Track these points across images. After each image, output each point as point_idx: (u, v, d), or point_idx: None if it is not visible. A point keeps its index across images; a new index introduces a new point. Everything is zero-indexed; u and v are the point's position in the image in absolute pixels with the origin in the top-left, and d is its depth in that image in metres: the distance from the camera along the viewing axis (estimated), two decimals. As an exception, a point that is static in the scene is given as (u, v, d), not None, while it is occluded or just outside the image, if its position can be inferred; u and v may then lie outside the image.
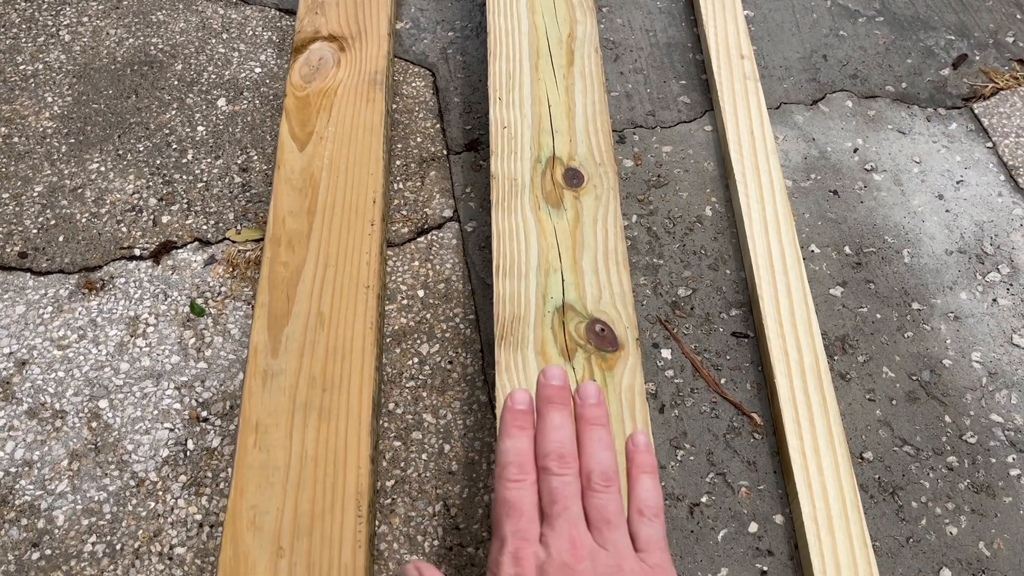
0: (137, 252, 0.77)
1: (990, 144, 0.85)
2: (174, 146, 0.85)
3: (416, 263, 0.77)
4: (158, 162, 0.84)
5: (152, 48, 0.93)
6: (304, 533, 0.59)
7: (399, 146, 0.86)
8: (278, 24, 0.96)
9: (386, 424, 0.68)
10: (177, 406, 0.69)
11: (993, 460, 0.66)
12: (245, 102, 0.89)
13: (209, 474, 0.66)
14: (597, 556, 0.44)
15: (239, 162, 0.84)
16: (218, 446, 0.67)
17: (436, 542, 0.63)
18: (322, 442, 0.63)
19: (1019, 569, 0.61)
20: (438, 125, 0.88)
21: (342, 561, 0.58)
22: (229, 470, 0.66)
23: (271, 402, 0.64)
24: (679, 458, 0.67)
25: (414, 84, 0.91)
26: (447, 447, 0.67)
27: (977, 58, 0.92)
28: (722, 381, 0.71)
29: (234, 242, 0.79)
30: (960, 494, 0.65)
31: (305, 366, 0.66)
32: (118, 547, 0.62)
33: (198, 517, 0.64)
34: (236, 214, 0.81)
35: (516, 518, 0.45)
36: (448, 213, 0.81)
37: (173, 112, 0.88)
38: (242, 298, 0.75)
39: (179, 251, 0.78)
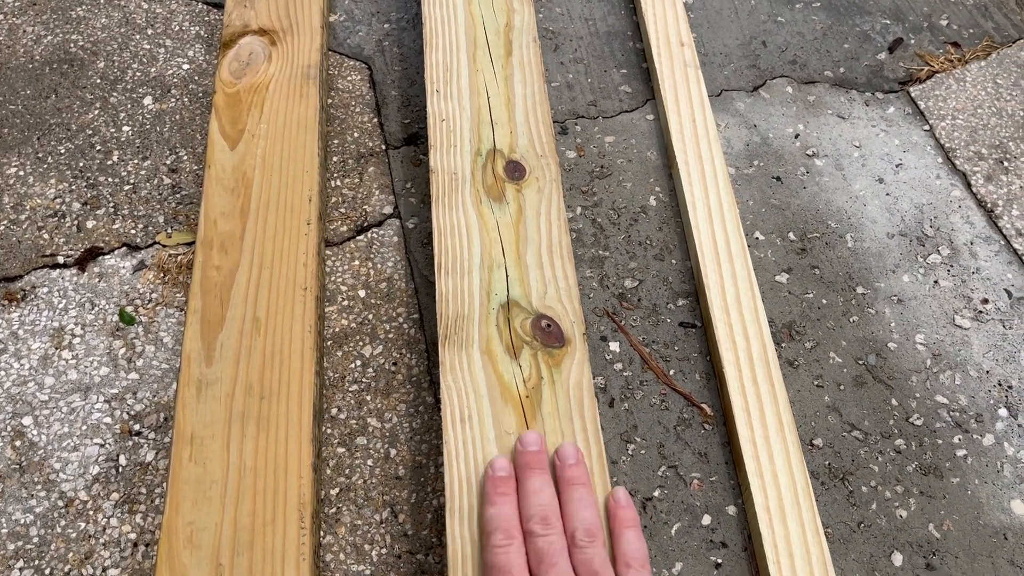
0: (60, 260, 0.74)
1: (927, 127, 0.85)
2: (98, 147, 0.81)
3: (356, 262, 0.75)
4: (81, 165, 0.80)
5: (72, 45, 0.89)
6: (244, 548, 0.56)
7: (335, 142, 0.83)
8: (206, 18, 0.93)
9: (329, 430, 0.66)
10: (107, 420, 0.66)
11: (939, 441, 0.67)
12: (173, 100, 0.86)
13: (143, 490, 0.63)
14: None
15: (168, 163, 0.81)
16: (152, 460, 0.64)
17: (384, 550, 0.61)
18: (261, 452, 0.60)
19: (968, 549, 0.62)
20: (376, 119, 0.85)
21: (285, 575, 0.55)
22: (164, 485, 0.63)
23: (206, 413, 0.62)
24: (630, 452, 0.66)
25: (350, 78, 0.89)
26: (393, 451, 0.65)
27: (912, 42, 0.93)
28: (671, 372, 0.70)
29: (165, 246, 0.75)
30: (908, 477, 0.65)
31: (241, 374, 0.64)
32: (47, 572, 0.59)
33: (132, 536, 0.61)
34: (166, 217, 0.77)
35: None
36: (388, 209, 0.78)
37: (96, 112, 0.84)
38: (175, 304, 0.72)
39: (106, 257, 0.74)
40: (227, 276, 0.68)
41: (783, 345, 0.71)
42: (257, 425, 0.61)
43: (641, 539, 0.52)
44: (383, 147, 0.83)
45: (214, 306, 0.67)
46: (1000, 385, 0.69)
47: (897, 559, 0.62)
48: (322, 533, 0.62)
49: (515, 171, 0.69)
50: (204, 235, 0.70)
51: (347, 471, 0.64)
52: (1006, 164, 0.82)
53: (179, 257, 0.75)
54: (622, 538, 0.51)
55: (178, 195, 0.79)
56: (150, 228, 0.76)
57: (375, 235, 0.77)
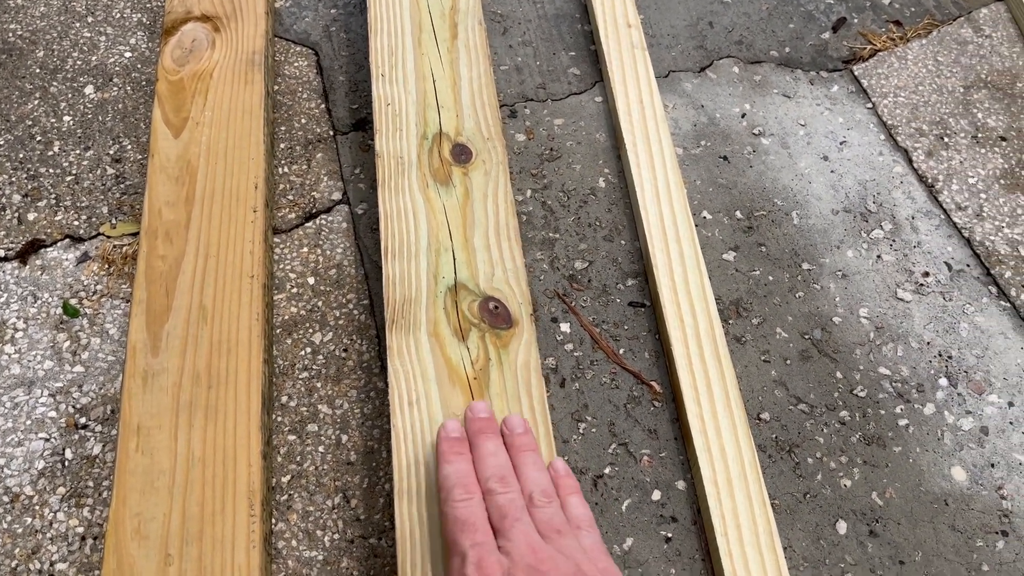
0: (1, 253, 0.72)
1: (870, 105, 0.87)
2: (38, 138, 0.80)
3: (305, 249, 0.75)
4: (21, 156, 0.78)
5: (10, 35, 0.87)
6: (194, 538, 0.56)
7: (283, 128, 0.82)
8: (148, 5, 0.91)
9: (280, 418, 0.66)
10: (52, 414, 0.65)
11: (882, 412, 0.68)
12: (115, 89, 0.84)
13: (91, 483, 0.62)
14: (557, 558, 0.47)
15: (111, 153, 0.80)
16: (99, 453, 0.63)
17: (336, 535, 0.61)
18: (209, 441, 0.60)
19: (910, 516, 0.63)
20: (323, 105, 0.85)
21: (235, 563, 0.55)
22: (112, 478, 0.62)
23: (153, 403, 0.61)
24: (581, 431, 0.67)
25: (296, 64, 0.88)
26: (345, 437, 0.65)
27: (856, 21, 0.94)
28: (621, 351, 0.70)
29: (109, 237, 0.74)
30: (852, 447, 0.66)
31: (188, 363, 0.63)
32: (-7, 568, 0.58)
33: (80, 530, 0.60)
34: (110, 208, 0.76)
35: (472, 532, 0.48)
36: (337, 196, 0.78)
37: (36, 102, 0.83)
38: (120, 295, 0.71)
39: (48, 250, 0.73)
40: (172, 265, 0.68)
41: (731, 322, 0.72)
42: (205, 414, 0.61)
43: (584, 503, 0.53)
44: (331, 133, 0.82)
45: (159, 296, 0.66)
46: (940, 356, 0.71)
47: (841, 527, 0.63)
48: (274, 521, 0.61)
49: (461, 154, 0.69)
50: (148, 225, 0.70)
51: (298, 458, 0.64)
52: (946, 140, 0.84)
53: (124, 248, 0.74)
54: (567, 503, 0.53)
55: (122, 185, 0.77)
56: (94, 219, 0.75)
57: (324, 221, 0.76)
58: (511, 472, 0.52)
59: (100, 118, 0.82)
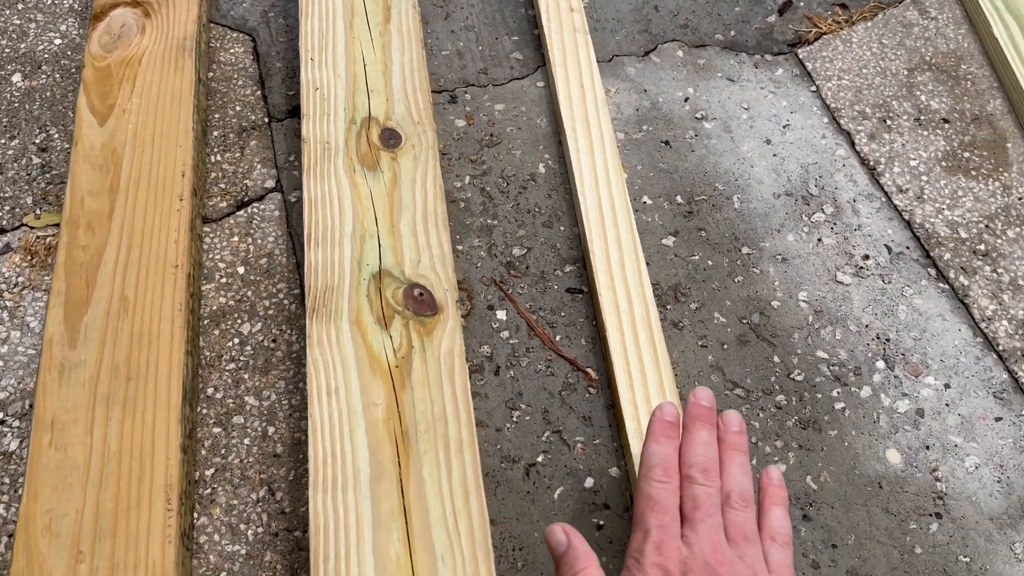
0: (-80, 245, 0.70)
1: (814, 88, 0.86)
2: (-38, 127, 0.78)
3: (236, 238, 0.73)
4: (-57, 146, 0.76)
5: (-65, 21, 0.85)
6: (107, 534, 0.54)
7: (216, 116, 0.81)
8: (80, -9, 0.89)
9: (204, 410, 0.64)
10: (-31, 410, 0.63)
11: (819, 396, 0.68)
12: (44, 76, 0.82)
13: (7, 480, 0.60)
14: (736, 564, 0.47)
15: (37, 141, 0.78)
16: (16, 449, 0.62)
17: (260, 529, 0.60)
18: (127, 435, 0.58)
19: (844, 499, 0.63)
20: (259, 92, 0.83)
21: (150, 559, 0.54)
22: (28, 474, 0.60)
23: (69, 397, 0.59)
24: (515, 419, 0.65)
25: (232, 50, 0.86)
26: (271, 429, 0.64)
27: (802, 4, 0.93)
28: (557, 338, 0.69)
29: (32, 228, 0.72)
30: (788, 431, 0.66)
31: (107, 356, 0.61)
32: (-99, 569, 0.56)
33: (-6, 528, 0.58)
34: (35, 198, 0.74)
35: (661, 513, 0.48)
36: (270, 184, 0.76)
37: (-39, 90, 0.80)
38: (42, 288, 0.69)
39: (-31, 241, 0.71)
40: (94, 256, 0.66)
41: (669, 307, 0.72)
42: (123, 407, 0.59)
43: (787, 518, 0.52)
44: (266, 120, 0.81)
45: (79, 287, 0.64)
46: (879, 338, 0.70)
47: (776, 513, 0.62)
48: (196, 515, 0.60)
49: (391, 139, 0.68)
50: (70, 214, 0.68)
51: (223, 451, 0.63)
52: (888, 123, 0.83)
53: (48, 239, 0.72)
54: (771, 512, 0.52)
55: (48, 175, 0.76)
56: (17, 210, 0.73)
57: (256, 210, 0.75)
58: (716, 467, 0.52)
59: (27, 107, 0.80)
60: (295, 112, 0.81)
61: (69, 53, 0.84)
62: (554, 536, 0.50)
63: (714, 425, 0.54)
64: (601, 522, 0.62)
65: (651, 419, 0.54)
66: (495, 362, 0.68)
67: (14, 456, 0.62)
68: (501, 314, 0.70)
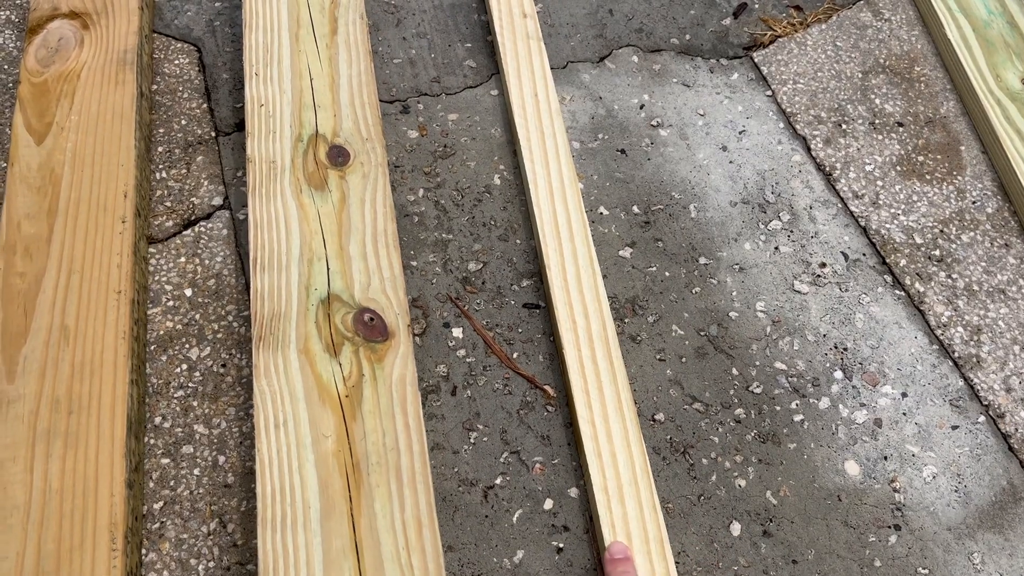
0: None
1: (769, 92, 0.86)
2: None
3: (183, 259, 0.71)
4: None
5: None
6: (49, 577, 0.53)
7: (161, 130, 0.78)
8: (16, 1, 0.86)
9: (152, 441, 0.62)
10: (-97, 447, 0.60)
11: (778, 408, 0.67)
12: (-21, 92, 0.79)
13: (-56, 521, 0.58)
14: None
15: (-27, 161, 0.75)
16: (-46, 487, 0.59)
17: (212, 563, 0.58)
18: (69, 472, 0.56)
19: (804, 514, 0.63)
20: (205, 105, 0.81)
21: (95, 602, 0.52)
22: (-33, 514, 0.58)
23: (6, 433, 0.57)
24: (472, 441, 0.64)
25: (177, 61, 0.84)
26: (222, 458, 0.62)
27: (756, 6, 0.93)
28: (515, 355, 0.68)
29: (-31, 253, 0.70)
30: (748, 445, 0.65)
31: (47, 388, 0.59)
32: None
33: (-69, 572, 0.56)
34: (-29, 220, 0.71)
35: None
36: (218, 201, 0.74)
37: None
38: (-20, 316, 0.67)
39: (-99, 268, 0.68)
40: (32, 283, 0.64)
41: (626, 321, 0.71)
42: (64, 442, 0.57)
43: None
44: (213, 134, 0.79)
45: (16, 316, 0.62)
46: (836, 348, 0.70)
47: (735, 528, 0.62)
48: (144, 551, 0.58)
49: (339, 156, 0.66)
50: (6, 240, 0.65)
51: (172, 483, 0.61)
52: (844, 127, 0.83)
53: (-15, 264, 0.69)
54: None
55: (-16, 196, 0.73)
56: (-48, 234, 0.70)
57: (203, 229, 0.73)
58: None
59: (-39, 124, 0.77)
60: (243, 125, 0.79)
61: (5, 67, 0.81)
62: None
63: (633, 570, 0.56)
64: (561, 545, 0.61)
65: (604, 562, 0.56)
66: (451, 382, 0.67)
67: (-48, 495, 0.59)
68: (457, 331, 0.69)
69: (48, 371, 0.60)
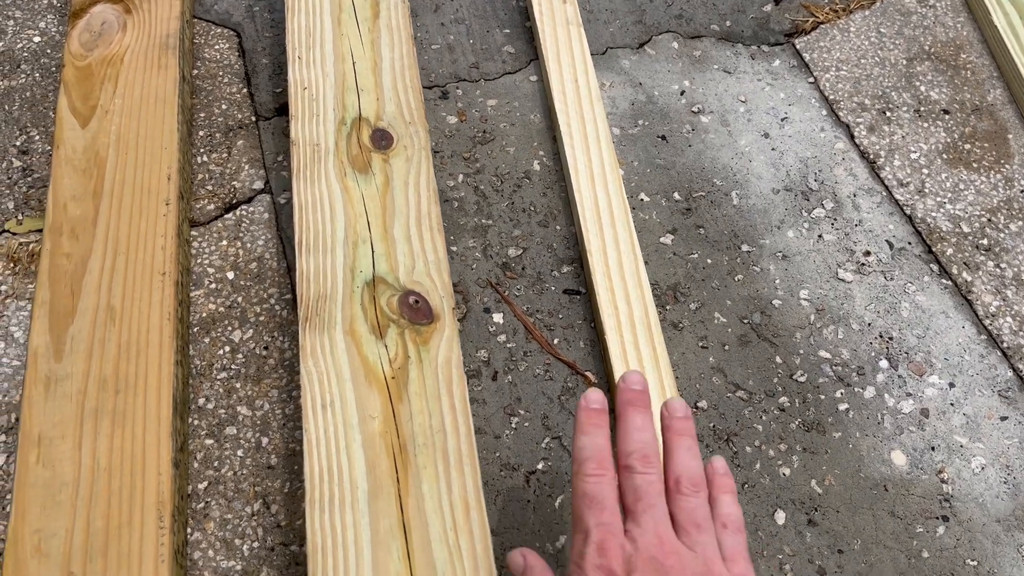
0: (-102, 254, 0.68)
1: (812, 79, 0.85)
2: (-61, 130, 0.75)
3: (224, 242, 0.71)
4: (-80, 149, 0.74)
5: (-92, 19, 0.82)
6: (98, 553, 0.53)
7: (202, 115, 0.78)
8: (58, -14, 0.86)
9: (196, 422, 0.63)
10: (-47, 425, 0.61)
11: (822, 397, 0.66)
12: (23, 76, 0.80)
13: (-7, 497, 0.59)
14: (684, 556, 0.43)
15: (18, 144, 0.75)
16: (3, 464, 0.60)
17: (256, 543, 0.58)
18: (116, 450, 0.57)
19: (850, 503, 0.62)
20: (245, 90, 0.81)
21: (143, 579, 0.52)
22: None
23: (56, 411, 0.58)
24: (513, 425, 0.64)
25: (217, 47, 0.84)
26: (265, 440, 0.62)
27: (798, -7, 0.92)
28: (555, 341, 0.68)
29: (15, 234, 0.70)
30: (792, 434, 0.65)
31: (95, 368, 0.60)
32: None
33: (-19, 547, 0.57)
34: (16, 202, 0.72)
35: (599, 511, 0.45)
36: (259, 185, 0.74)
37: (-63, 91, 0.78)
38: (26, 296, 0.67)
39: (-51, 249, 0.69)
40: (78, 264, 0.64)
41: (668, 307, 0.70)
42: (112, 421, 0.58)
43: (737, 505, 0.48)
44: (253, 119, 0.79)
45: (64, 296, 0.62)
46: (881, 337, 0.69)
47: (780, 517, 0.61)
48: (189, 530, 0.59)
49: (382, 140, 0.66)
50: (53, 221, 0.66)
51: (216, 463, 0.61)
52: (888, 114, 0.82)
53: (31, 245, 0.70)
54: (720, 500, 0.48)
55: (29, 179, 0.73)
56: (-1, 215, 0.71)
57: (244, 212, 0.73)
58: (656, 452, 0.47)
59: (6, 107, 0.77)
60: (283, 110, 0.79)
61: (49, 51, 0.82)
62: (513, 561, 0.47)
63: (648, 408, 0.49)
64: (603, 530, 0.60)
65: (577, 410, 0.49)
66: (492, 367, 0.67)
67: (0, 472, 0.60)
68: (498, 317, 0.69)
69: (95, 351, 0.60)
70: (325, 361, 0.55)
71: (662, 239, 0.74)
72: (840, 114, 0.82)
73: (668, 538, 0.44)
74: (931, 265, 0.73)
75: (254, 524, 0.59)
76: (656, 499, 0.45)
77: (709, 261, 0.73)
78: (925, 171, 0.78)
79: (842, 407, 0.66)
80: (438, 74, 0.83)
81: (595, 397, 0.49)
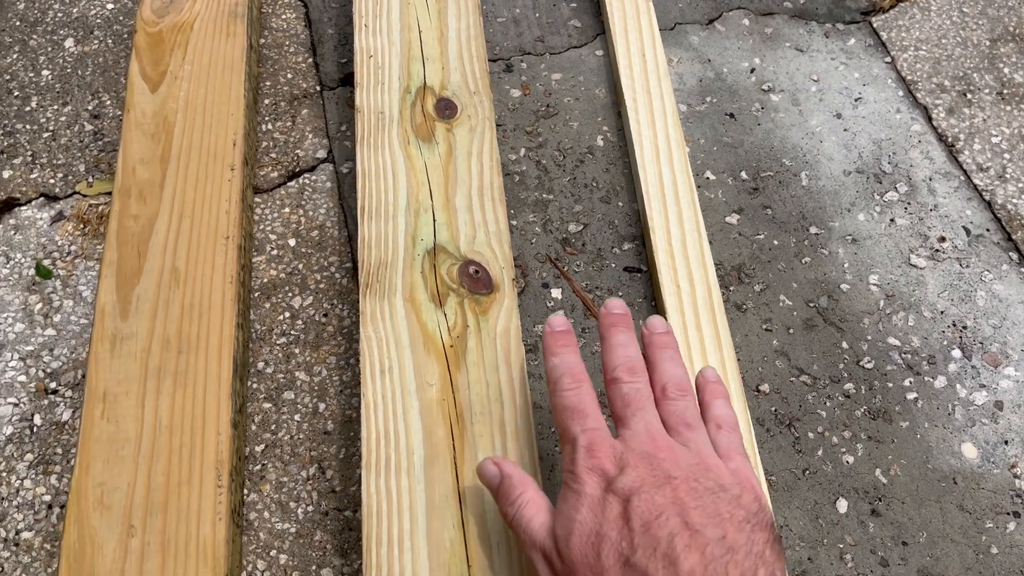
0: (-26, 212, 0.70)
1: (888, 59, 0.82)
2: (16, 93, 0.77)
3: (287, 209, 0.72)
4: (-3, 112, 0.76)
5: (-11, -15, 0.84)
6: (158, 509, 0.54)
7: (268, 83, 0.79)
8: (132, -45, 0.87)
9: (255, 385, 0.63)
10: (22, 378, 0.63)
11: (890, 384, 0.64)
12: (96, 42, 0.81)
13: (59, 451, 0.60)
14: (677, 450, 0.43)
15: (90, 108, 0.77)
16: (69, 420, 0.61)
17: (310, 507, 0.59)
18: (178, 409, 0.57)
19: (916, 495, 0.60)
20: (311, 59, 0.81)
21: (201, 536, 0.53)
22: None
23: (120, 369, 0.59)
24: (570, 402, 0.63)
25: (284, 16, 0.84)
26: (322, 406, 0.62)
27: (876, -30, 0.88)
28: (614, 319, 0.67)
29: (85, 196, 0.72)
30: (857, 421, 0.63)
31: (158, 327, 0.61)
32: (-43, 536, 0.56)
33: (47, 498, 0.58)
34: (87, 165, 0.73)
35: (581, 418, 0.44)
36: (322, 154, 0.75)
37: (14, 56, 0.80)
38: (94, 257, 0.69)
39: (22, 208, 0.71)
40: (145, 226, 0.65)
41: (731, 288, 0.69)
42: (174, 381, 0.58)
43: (731, 407, 0.48)
44: (318, 88, 0.79)
45: (131, 257, 0.63)
46: (955, 326, 0.67)
47: (842, 505, 0.60)
48: (246, 491, 0.59)
49: (446, 109, 0.65)
50: (122, 183, 0.67)
51: (273, 427, 0.62)
52: (969, 96, 0.79)
53: (100, 207, 0.71)
54: (712, 404, 0.48)
55: (100, 142, 0.75)
56: (70, 177, 0.73)
57: (307, 181, 0.73)
58: (642, 366, 0.48)
59: (79, 72, 0.79)
60: (347, 80, 0.79)
61: (121, 18, 0.83)
62: (486, 470, 0.46)
63: (631, 328, 0.50)
64: (658, 510, 0.59)
65: (543, 336, 0.49)
66: (550, 342, 0.66)
67: (66, 426, 0.61)
68: (556, 292, 0.68)
69: (159, 311, 0.61)
70: (384, 327, 0.55)
71: (727, 219, 0.72)
72: (917, 95, 0.79)
73: (660, 435, 0.44)
74: (1010, 253, 0.70)
75: (309, 488, 0.59)
76: (645, 402, 0.45)
77: (775, 242, 0.71)
78: (1007, 156, 0.75)
79: (910, 396, 0.64)
80: (503, 47, 0.82)
81: (558, 320, 0.50)
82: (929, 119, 0.78)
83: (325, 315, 0.66)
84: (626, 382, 0.46)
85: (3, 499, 0.58)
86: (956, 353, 0.66)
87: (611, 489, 0.41)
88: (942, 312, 0.67)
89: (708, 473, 0.42)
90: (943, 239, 0.71)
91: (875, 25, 0.84)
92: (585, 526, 0.40)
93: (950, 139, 0.76)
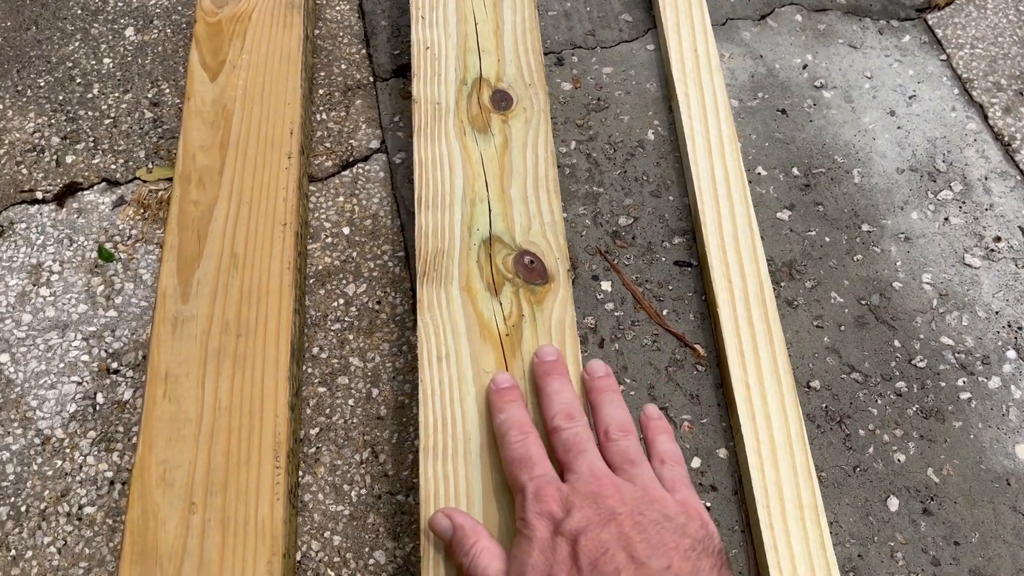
0: (39, 195, 0.72)
1: (944, 56, 0.81)
2: (78, 80, 0.79)
3: (341, 198, 0.73)
4: (61, 98, 0.78)
5: (52, -25, 0.86)
6: (218, 488, 0.55)
7: (322, 74, 0.80)
8: (190, -54, 0.89)
9: (310, 370, 0.64)
10: (85, 358, 0.64)
11: (943, 384, 0.64)
12: (156, 31, 0.83)
13: (121, 428, 0.62)
14: (622, 487, 0.45)
15: (150, 96, 0.78)
16: (130, 399, 0.63)
17: (364, 491, 0.60)
18: (237, 391, 0.59)
19: (968, 495, 0.59)
20: (364, 50, 0.82)
21: (259, 515, 0.54)
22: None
23: (181, 350, 0.60)
24: (619, 394, 0.64)
25: (338, 8, 0.85)
26: (375, 391, 0.63)
27: (932, -34, 0.87)
28: (664, 312, 0.67)
29: (145, 181, 0.73)
30: (908, 420, 0.63)
31: (218, 311, 0.62)
32: (23, 509, 0.58)
33: (109, 474, 0.60)
34: (147, 152, 0.75)
35: (529, 467, 0.47)
36: (375, 144, 0.76)
37: (77, 44, 0.82)
38: (154, 241, 0.70)
39: (85, 193, 0.72)
40: (205, 211, 0.66)
41: (782, 284, 0.69)
42: (233, 363, 0.60)
43: (675, 443, 0.51)
44: (371, 79, 0.80)
45: (191, 242, 0.65)
46: (1010, 326, 0.66)
47: (893, 504, 0.59)
48: (301, 473, 0.60)
49: (502, 100, 0.66)
50: (182, 169, 0.68)
51: (327, 411, 0.63)
52: (1027, 95, 0.78)
53: (159, 193, 0.73)
54: (655, 441, 0.51)
55: (160, 129, 0.76)
56: (130, 163, 0.74)
57: (361, 170, 0.74)
58: (579, 409, 0.50)
59: (140, 61, 0.81)
60: (400, 72, 0.80)
61: (180, 8, 0.85)
62: (438, 523, 0.48)
63: (565, 375, 0.52)
64: (708, 504, 0.60)
65: (488, 394, 0.52)
66: (599, 334, 0.66)
67: (127, 405, 0.63)
68: (606, 285, 0.69)
69: (219, 295, 0.62)
70: (441, 315, 0.56)
71: (779, 214, 0.72)
72: (973, 94, 0.78)
73: (604, 474, 0.46)
74: (1067, 254, 0.69)
75: (362, 472, 0.60)
76: (586, 444, 0.48)
77: (827, 239, 0.71)
78: (1065, 156, 0.74)
79: (964, 396, 0.63)
80: (554, 40, 0.82)
81: (503, 378, 0.52)
82: (985, 118, 0.77)
83: (378, 303, 0.67)
84: (565, 428, 0.49)
85: (67, 475, 0.60)
86: (1011, 354, 0.65)
87: (559, 531, 0.42)
88: (997, 312, 0.67)
89: (653, 505, 0.44)
90: (999, 239, 0.70)
91: (930, 22, 0.83)
92: (537, 569, 0.42)
93: (1006, 138, 0.75)
